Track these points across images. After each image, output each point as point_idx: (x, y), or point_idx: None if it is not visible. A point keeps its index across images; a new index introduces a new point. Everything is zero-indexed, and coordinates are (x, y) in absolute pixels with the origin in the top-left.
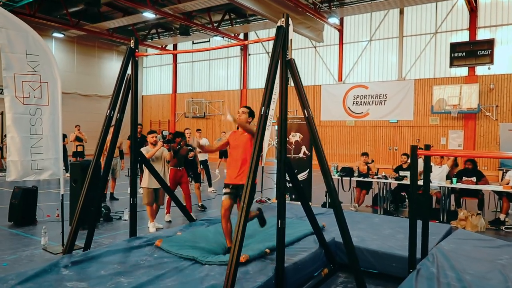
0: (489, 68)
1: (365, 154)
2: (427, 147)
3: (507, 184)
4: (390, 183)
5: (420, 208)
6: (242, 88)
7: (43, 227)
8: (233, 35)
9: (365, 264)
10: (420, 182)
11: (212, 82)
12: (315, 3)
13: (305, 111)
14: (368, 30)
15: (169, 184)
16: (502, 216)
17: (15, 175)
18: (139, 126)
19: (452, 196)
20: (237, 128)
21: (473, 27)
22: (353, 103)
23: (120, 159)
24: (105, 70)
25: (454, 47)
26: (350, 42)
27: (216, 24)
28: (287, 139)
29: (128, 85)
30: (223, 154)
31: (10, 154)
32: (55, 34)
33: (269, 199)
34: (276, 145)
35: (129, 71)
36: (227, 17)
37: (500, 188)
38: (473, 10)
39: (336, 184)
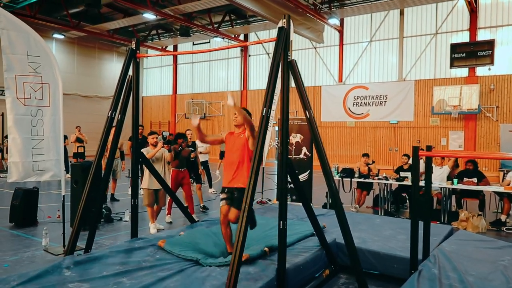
0: (489, 69)
1: (365, 155)
2: (429, 148)
3: (508, 185)
4: (390, 184)
5: (421, 209)
6: (242, 89)
7: (44, 228)
8: (233, 36)
9: (366, 265)
10: (421, 183)
11: (212, 83)
12: (315, 4)
13: (307, 112)
14: (368, 31)
15: (170, 185)
16: (503, 217)
17: (16, 176)
18: (140, 127)
19: (453, 197)
20: (236, 127)
21: (473, 27)
22: (354, 104)
23: (121, 160)
24: (105, 71)
25: (455, 48)
26: (350, 43)
27: (216, 25)
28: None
29: (129, 86)
30: (224, 155)
31: (12, 155)
32: (56, 35)
33: (269, 200)
34: (276, 146)
35: (130, 72)
36: (227, 18)
37: (501, 189)
38: (473, 11)
39: (336, 185)
